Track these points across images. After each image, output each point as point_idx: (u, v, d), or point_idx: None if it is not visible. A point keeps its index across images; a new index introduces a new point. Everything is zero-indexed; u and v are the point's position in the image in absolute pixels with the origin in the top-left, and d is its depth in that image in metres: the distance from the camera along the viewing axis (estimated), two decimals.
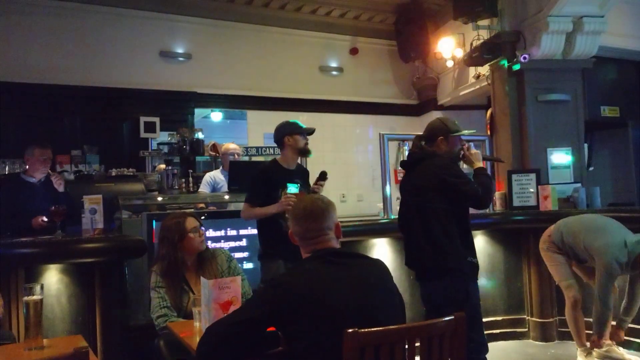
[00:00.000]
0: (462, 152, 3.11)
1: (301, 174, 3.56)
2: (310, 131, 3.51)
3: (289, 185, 3.30)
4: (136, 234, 3.74)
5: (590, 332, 3.89)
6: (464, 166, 3.26)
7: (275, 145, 3.72)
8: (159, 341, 2.70)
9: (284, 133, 3.45)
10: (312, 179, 3.62)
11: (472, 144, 3.19)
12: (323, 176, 3.47)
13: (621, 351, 3.87)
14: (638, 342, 4.09)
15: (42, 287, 2.12)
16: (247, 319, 1.81)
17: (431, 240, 2.92)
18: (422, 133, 3.16)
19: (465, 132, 3.14)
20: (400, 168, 3.36)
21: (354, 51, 8.01)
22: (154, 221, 3.84)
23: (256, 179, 3.45)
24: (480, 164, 3.07)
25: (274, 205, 3.30)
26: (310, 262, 1.91)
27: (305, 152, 3.52)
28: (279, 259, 3.27)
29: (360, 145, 7.99)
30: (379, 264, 1.99)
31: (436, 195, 2.91)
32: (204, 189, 5.05)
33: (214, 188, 5.02)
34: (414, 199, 3.03)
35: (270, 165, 3.55)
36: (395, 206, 5.76)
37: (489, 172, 3.72)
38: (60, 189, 4.22)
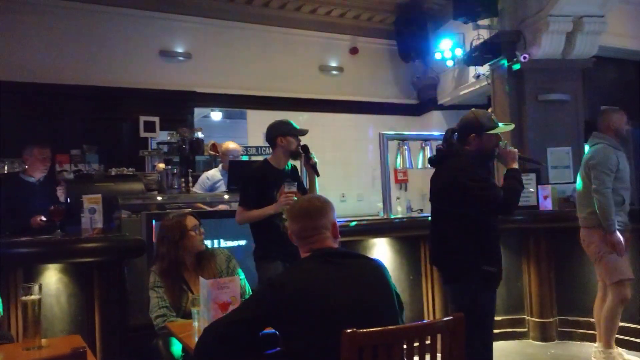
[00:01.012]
0: (496, 150, 2.85)
1: (292, 174, 3.51)
2: (304, 133, 3.46)
3: (286, 183, 3.26)
4: (136, 234, 3.74)
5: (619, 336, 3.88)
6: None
7: None
8: (157, 341, 2.69)
9: (277, 133, 3.39)
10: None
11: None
12: (307, 150, 3.42)
13: (620, 351, 3.85)
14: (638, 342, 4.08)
15: (40, 287, 2.12)
16: (245, 318, 1.80)
17: (445, 244, 2.83)
18: (455, 126, 2.94)
19: (502, 128, 2.88)
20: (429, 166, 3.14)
21: (354, 51, 8.01)
22: (153, 221, 3.83)
23: (249, 181, 3.40)
24: (514, 165, 2.83)
25: (272, 205, 3.26)
26: (308, 262, 1.90)
27: (296, 155, 3.45)
28: (276, 260, 3.24)
29: (360, 145, 7.98)
30: (377, 264, 1.99)
31: (452, 199, 2.75)
32: (196, 189, 5.08)
33: (211, 188, 5.05)
34: (433, 201, 2.92)
35: (262, 166, 3.48)
36: (396, 206, 5.77)
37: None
38: (62, 199, 4.23)
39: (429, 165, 3.19)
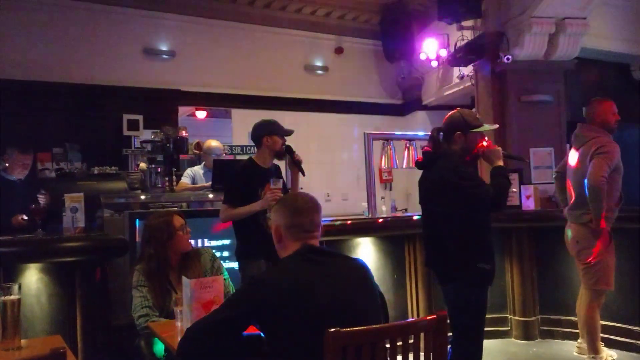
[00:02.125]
0: (481, 149, 2.91)
1: (276, 172, 3.55)
2: (290, 133, 3.48)
3: (272, 180, 3.27)
4: (118, 233, 3.71)
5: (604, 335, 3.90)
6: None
7: None
8: (140, 341, 2.67)
9: (263, 132, 3.42)
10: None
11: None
12: (290, 150, 3.45)
13: (608, 352, 3.87)
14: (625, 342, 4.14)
15: (19, 287, 2.09)
16: (229, 317, 1.79)
17: (440, 245, 2.87)
18: (441, 125, 2.97)
19: (486, 127, 2.96)
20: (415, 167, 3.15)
21: (339, 50, 8.02)
22: (137, 220, 3.81)
23: (234, 179, 3.41)
24: (499, 162, 2.88)
25: (258, 202, 3.27)
26: (291, 260, 1.89)
27: (281, 155, 3.47)
28: (259, 259, 3.25)
29: (345, 144, 8.00)
30: (359, 263, 1.99)
31: (445, 199, 2.79)
32: (185, 180, 5.20)
33: (194, 181, 5.20)
34: (425, 202, 2.97)
35: (247, 164, 3.50)
36: (380, 205, 5.78)
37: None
38: (42, 203, 4.16)
39: (414, 166, 3.21)
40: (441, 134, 2.93)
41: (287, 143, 3.49)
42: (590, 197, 3.54)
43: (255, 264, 3.23)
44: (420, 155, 3.08)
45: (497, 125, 3.14)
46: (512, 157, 3.38)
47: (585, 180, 3.56)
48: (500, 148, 2.95)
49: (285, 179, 3.67)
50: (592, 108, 3.80)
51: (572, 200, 3.82)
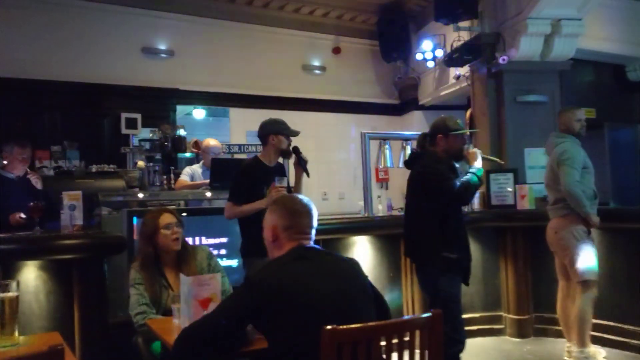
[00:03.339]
0: (464, 152, 3.28)
1: (281, 171, 3.59)
2: (296, 134, 3.53)
3: (277, 178, 3.31)
4: (116, 231, 3.73)
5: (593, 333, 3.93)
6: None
7: (258, 143, 3.73)
8: (137, 338, 2.69)
9: (270, 131, 3.46)
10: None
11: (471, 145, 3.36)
12: (298, 151, 3.51)
13: (596, 349, 3.91)
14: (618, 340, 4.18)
15: (18, 284, 2.10)
16: (225, 320, 1.82)
17: (412, 235, 3.29)
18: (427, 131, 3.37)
19: (465, 131, 3.30)
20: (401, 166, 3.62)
21: (336, 50, 8.04)
22: (134, 217, 3.82)
23: (240, 177, 3.44)
24: (476, 163, 3.22)
25: (263, 200, 3.29)
26: (285, 259, 1.92)
27: (286, 154, 3.54)
28: (265, 257, 3.27)
29: (342, 143, 8.03)
30: (352, 262, 2.03)
31: (419, 192, 3.19)
32: (183, 178, 5.23)
33: (193, 179, 5.22)
34: (407, 197, 3.36)
35: (252, 162, 3.54)
36: (377, 204, 5.82)
37: None
38: (38, 186, 4.19)
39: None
40: (428, 138, 3.31)
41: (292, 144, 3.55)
42: (571, 202, 3.72)
43: (261, 262, 3.25)
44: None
45: (476, 130, 3.50)
46: (490, 159, 3.71)
47: (562, 189, 3.73)
48: (480, 151, 3.29)
49: (288, 178, 3.71)
50: (559, 116, 4.04)
51: (551, 199, 3.96)
